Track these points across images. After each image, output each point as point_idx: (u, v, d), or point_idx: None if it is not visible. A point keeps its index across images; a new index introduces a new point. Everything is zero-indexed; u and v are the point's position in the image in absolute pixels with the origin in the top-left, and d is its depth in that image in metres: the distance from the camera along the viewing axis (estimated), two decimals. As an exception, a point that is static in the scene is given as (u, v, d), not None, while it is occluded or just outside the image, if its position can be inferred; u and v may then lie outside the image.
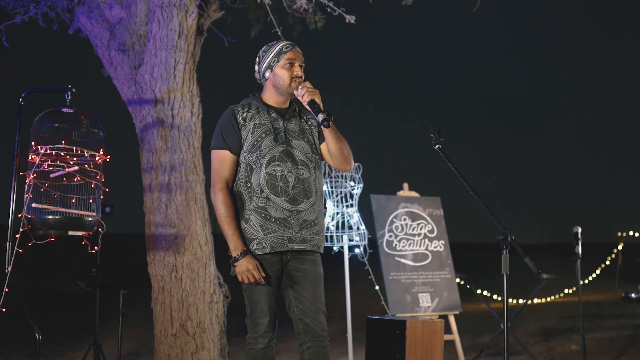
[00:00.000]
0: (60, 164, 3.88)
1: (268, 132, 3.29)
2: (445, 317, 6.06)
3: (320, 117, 3.20)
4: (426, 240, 6.42)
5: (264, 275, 3.20)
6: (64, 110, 3.95)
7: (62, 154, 3.88)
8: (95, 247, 4.32)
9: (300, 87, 3.28)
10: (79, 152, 3.92)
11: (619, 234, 15.05)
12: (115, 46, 5.12)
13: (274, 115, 3.35)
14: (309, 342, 3.26)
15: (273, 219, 3.23)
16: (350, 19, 5.43)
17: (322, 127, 3.29)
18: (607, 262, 14.47)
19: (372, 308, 8.49)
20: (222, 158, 3.30)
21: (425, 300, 6.21)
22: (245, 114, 3.32)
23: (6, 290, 3.73)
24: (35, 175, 3.83)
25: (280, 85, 3.34)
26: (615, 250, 14.75)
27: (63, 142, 3.88)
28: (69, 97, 3.97)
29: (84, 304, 10.96)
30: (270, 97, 3.40)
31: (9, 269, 3.72)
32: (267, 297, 3.25)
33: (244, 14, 6.15)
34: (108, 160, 4.06)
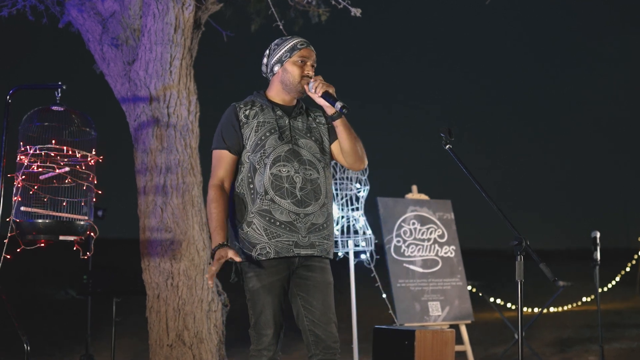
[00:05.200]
0: (50, 165, 3.89)
1: (272, 131, 3.27)
2: (456, 327, 6.05)
3: (338, 105, 3.19)
4: (436, 245, 6.41)
5: (239, 260, 3.09)
6: (54, 108, 3.96)
7: (52, 154, 3.89)
8: (87, 253, 4.32)
9: (312, 80, 3.27)
10: (70, 152, 3.92)
11: (640, 239, 15.01)
12: (108, 41, 5.13)
13: (279, 112, 3.33)
14: (320, 354, 3.24)
15: (278, 223, 3.20)
16: (356, 12, 5.44)
17: (334, 122, 3.29)
18: (627, 269, 14.43)
19: (379, 317, 8.49)
20: (219, 157, 3.29)
21: (435, 309, 6.20)
22: (248, 112, 3.31)
23: (-7, 298, 3.73)
24: (23, 177, 3.84)
25: (289, 82, 3.32)
26: (635, 256, 14.70)
27: (53, 142, 3.88)
28: (59, 95, 3.98)
29: (75, 313, 10.96)
30: (276, 94, 3.38)
31: (-4, 275, 3.73)
32: (272, 306, 3.21)
33: (244, 6, 6.15)
34: (100, 161, 4.06)
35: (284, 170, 3.23)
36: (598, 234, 5.98)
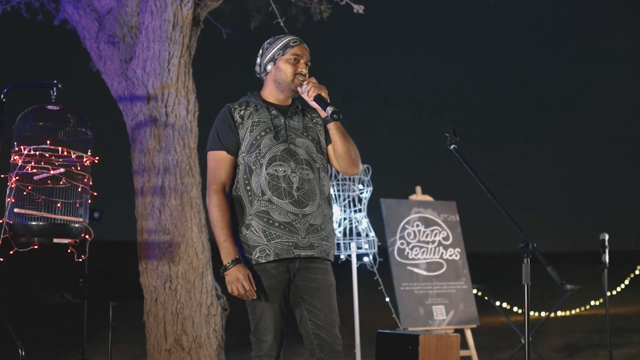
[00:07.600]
0: (45, 165, 3.88)
1: (268, 130, 3.27)
2: (461, 331, 6.04)
3: (329, 109, 3.22)
4: (441, 248, 6.40)
5: (255, 288, 3.16)
6: (49, 107, 3.95)
7: (47, 154, 3.88)
8: (83, 256, 4.31)
9: (305, 82, 3.29)
10: (65, 152, 3.92)
11: (650, 241, 14.99)
12: (105, 38, 5.12)
13: (274, 112, 3.33)
14: (325, 358, 3.24)
15: (277, 224, 3.20)
16: (358, 8, 5.43)
17: (328, 124, 3.31)
18: (637, 272, 14.42)
19: (382, 321, 8.48)
20: (218, 159, 3.29)
21: (439, 312, 6.19)
22: (242, 112, 3.31)
23: (-14, 302, 3.72)
24: (17, 177, 3.83)
25: (282, 81, 3.33)
26: (645, 259, 14.69)
27: (48, 142, 3.87)
28: (55, 94, 3.97)
29: (71, 317, 10.96)
30: (270, 93, 3.39)
31: (-10, 279, 3.72)
32: (272, 311, 3.21)
33: (244, 3, 6.15)
34: (96, 161, 4.05)
35: (280, 170, 3.23)
36: (606, 236, 5.97)
